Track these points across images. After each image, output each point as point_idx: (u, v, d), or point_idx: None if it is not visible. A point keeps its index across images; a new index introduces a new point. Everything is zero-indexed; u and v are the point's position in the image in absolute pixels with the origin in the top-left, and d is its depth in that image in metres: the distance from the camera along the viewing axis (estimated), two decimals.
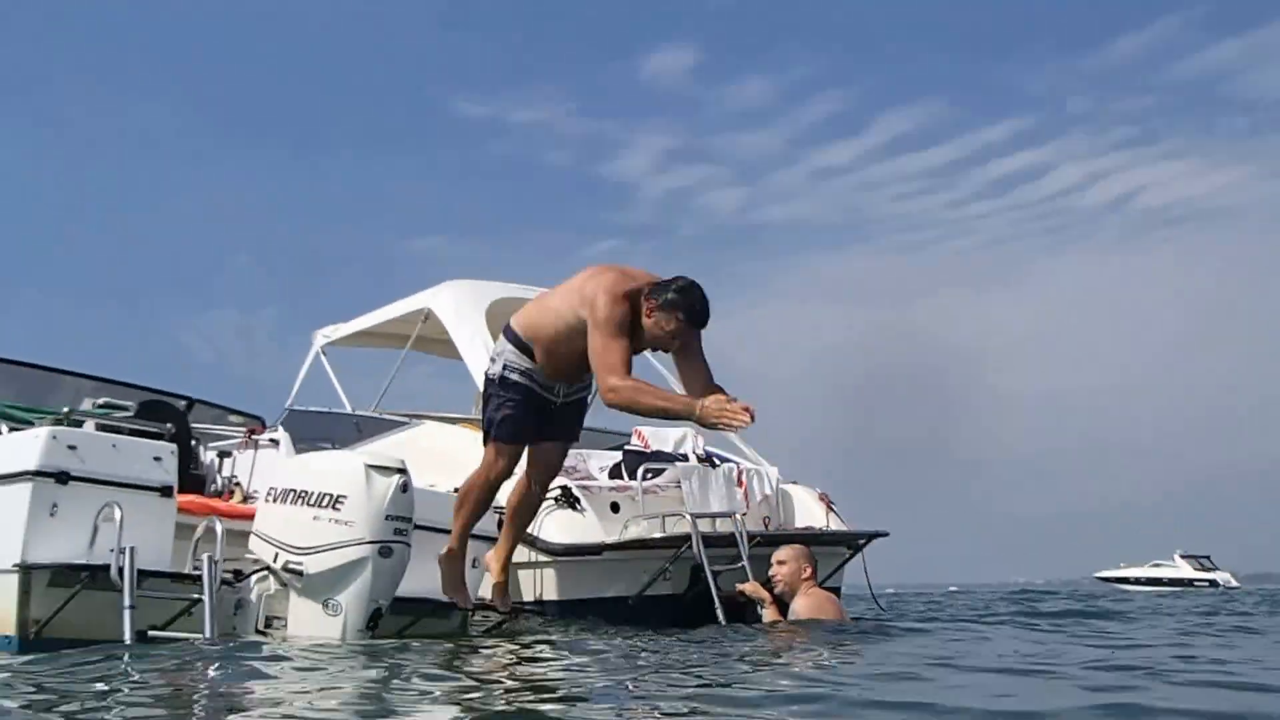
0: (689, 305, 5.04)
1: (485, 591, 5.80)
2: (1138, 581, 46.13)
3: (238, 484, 7.01)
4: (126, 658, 4.11)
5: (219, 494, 6.96)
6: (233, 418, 8.01)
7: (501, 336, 5.41)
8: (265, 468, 7.02)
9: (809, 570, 6.40)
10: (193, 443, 7.32)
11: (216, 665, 3.97)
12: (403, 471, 5.04)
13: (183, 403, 7.73)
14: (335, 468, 5.13)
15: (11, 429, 5.80)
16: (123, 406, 7.12)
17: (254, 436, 7.28)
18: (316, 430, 9.29)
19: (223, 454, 7.30)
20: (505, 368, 5.27)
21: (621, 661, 4.41)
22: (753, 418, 4.69)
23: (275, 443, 7.22)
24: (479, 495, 5.37)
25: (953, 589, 37.19)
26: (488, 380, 5.41)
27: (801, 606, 6.26)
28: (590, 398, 5.67)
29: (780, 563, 6.47)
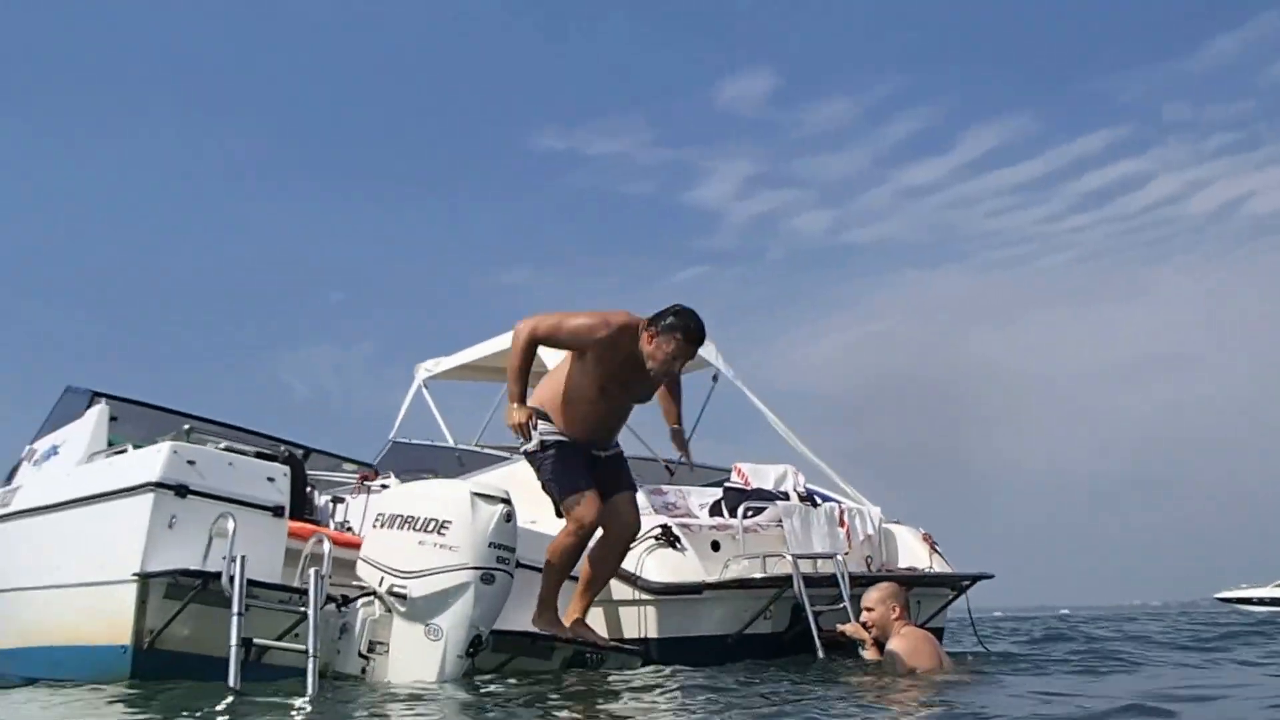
0: (685, 325, 5.49)
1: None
2: (1261, 602, 43.86)
3: (349, 528, 7.08)
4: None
5: None
6: (346, 465, 8.15)
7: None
8: (376, 511, 7.09)
9: (898, 610, 6.21)
10: (308, 489, 7.47)
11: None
12: (507, 501, 5.09)
13: (300, 451, 7.89)
14: (442, 494, 5.19)
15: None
16: (242, 452, 7.29)
17: (366, 482, 7.36)
18: (419, 463, 9.37)
19: (336, 499, 7.42)
20: (541, 435, 5.57)
21: (716, 695, 4.43)
22: (527, 436, 5.48)
23: (385, 488, 7.30)
24: (567, 555, 5.53)
25: (1064, 612, 36.20)
26: (528, 458, 5.69)
27: (897, 648, 6.10)
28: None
29: (869, 609, 6.31)
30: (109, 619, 5.05)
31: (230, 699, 4.27)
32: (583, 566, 5.72)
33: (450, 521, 4.99)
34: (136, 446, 6.11)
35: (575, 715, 4.08)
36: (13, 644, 6.10)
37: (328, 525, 7.20)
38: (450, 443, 9.48)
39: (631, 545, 6.09)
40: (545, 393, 5.70)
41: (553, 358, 6.51)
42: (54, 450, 6.55)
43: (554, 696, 4.69)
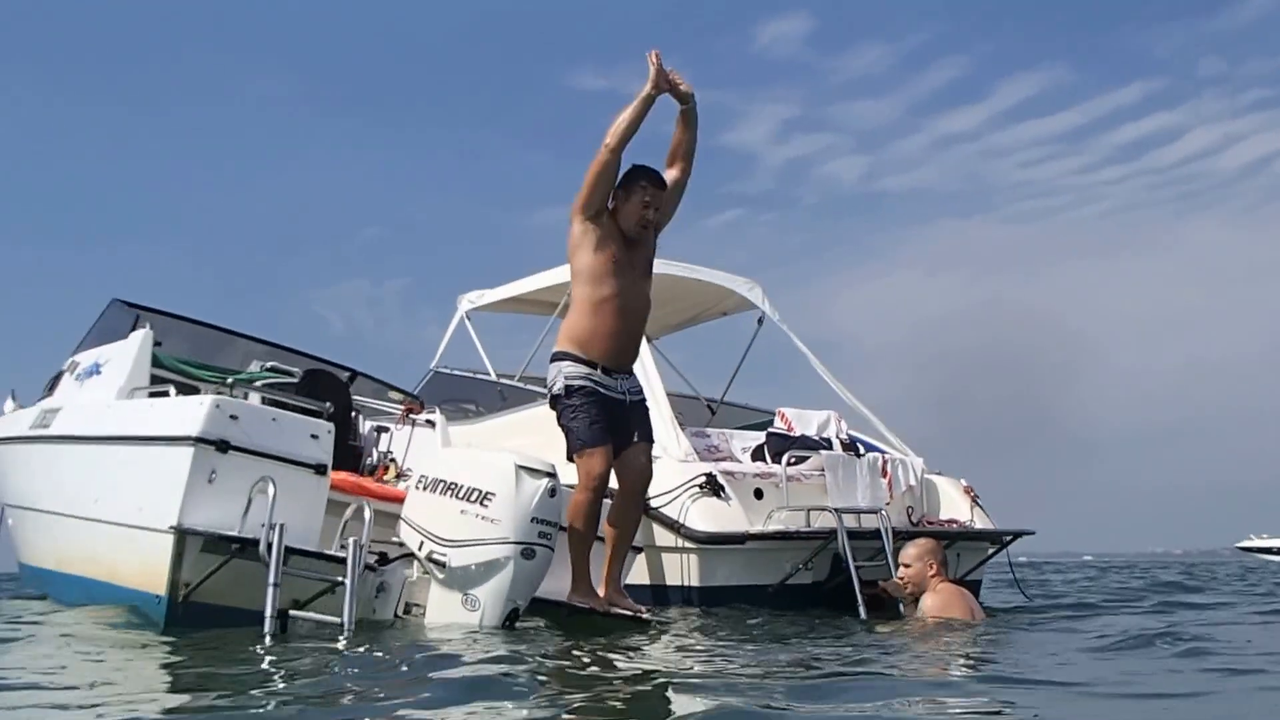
0: (642, 171, 5.64)
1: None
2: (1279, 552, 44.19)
3: (393, 460, 7.09)
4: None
5: (374, 468, 7.05)
6: (391, 394, 8.08)
7: (550, 366, 5.62)
8: (420, 447, 7.12)
9: (934, 566, 6.18)
10: (353, 414, 7.45)
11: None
12: (553, 475, 4.99)
13: (345, 374, 7.84)
14: (486, 464, 5.08)
15: (180, 387, 5.91)
16: (289, 372, 7.26)
17: (411, 415, 7.30)
18: (460, 394, 9.35)
19: (380, 429, 7.37)
20: (565, 378, 5.46)
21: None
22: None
23: (431, 424, 7.25)
24: (586, 512, 5.34)
25: (1087, 558, 36.44)
26: (552, 401, 5.55)
27: (929, 604, 6.06)
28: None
29: (905, 565, 6.26)
30: (146, 566, 5.01)
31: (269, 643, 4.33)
32: (605, 529, 5.64)
33: (494, 494, 4.89)
34: (180, 385, 6.09)
35: (609, 663, 4.07)
36: (51, 565, 6.18)
37: (370, 454, 7.26)
38: (492, 375, 9.43)
39: (644, 500, 5.98)
40: (565, 328, 5.66)
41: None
42: (96, 368, 6.48)
43: (587, 645, 4.68)
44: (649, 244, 5.85)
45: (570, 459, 5.43)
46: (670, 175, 5.76)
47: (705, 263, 9.23)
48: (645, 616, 5.45)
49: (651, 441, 5.75)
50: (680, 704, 3.04)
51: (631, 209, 5.63)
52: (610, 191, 5.62)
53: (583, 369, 5.50)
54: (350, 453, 7.12)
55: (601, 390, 5.51)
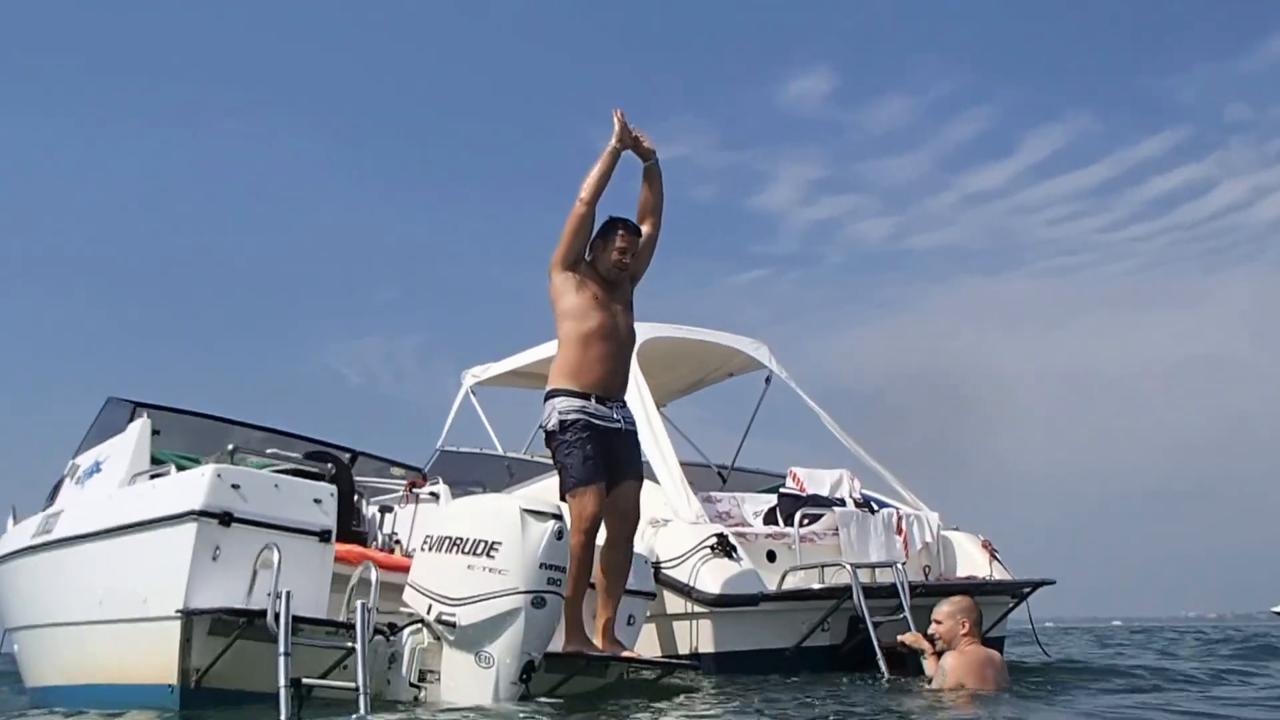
0: (618, 220, 5.99)
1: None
2: None
3: (398, 541, 6.99)
4: None
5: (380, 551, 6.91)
6: (394, 470, 8.03)
7: (544, 405, 5.80)
8: (425, 522, 6.97)
9: (967, 625, 5.99)
10: (356, 497, 7.36)
11: None
12: (558, 517, 4.93)
13: (347, 455, 7.78)
14: (490, 511, 5.02)
15: (180, 467, 5.85)
16: (288, 458, 7.21)
17: (414, 490, 7.25)
18: (468, 472, 9.28)
19: (384, 509, 7.30)
20: (559, 414, 5.65)
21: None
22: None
23: (435, 496, 7.20)
24: (581, 554, 5.39)
25: (1116, 624, 35.84)
26: (548, 438, 5.74)
27: (952, 664, 5.89)
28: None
29: (937, 622, 6.12)
30: (154, 657, 4.92)
31: None
32: (596, 574, 5.64)
33: (500, 542, 4.81)
34: (180, 465, 6.04)
35: None
36: (58, 680, 6.03)
37: (376, 537, 7.12)
38: (499, 451, 9.38)
39: (632, 543, 5.96)
40: (555, 366, 5.85)
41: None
42: (96, 467, 6.44)
43: (609, 708, 4.56)
44: (626, 286, 6.07)
45: (563, 498, 5.46)
46: (643, 231, 6.10)
47: (728, 317, 9.31)
48: (643, 658, 5.45)
49: (641, 479, 5.87)
50: None
51: (608, 254, 5.94)
52: (586, 243, 5.94)
53: (577, 402, 5.65)
54: (355, 538, 6.98)
55: (596, 421, 5.64)
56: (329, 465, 6.16)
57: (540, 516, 4.85)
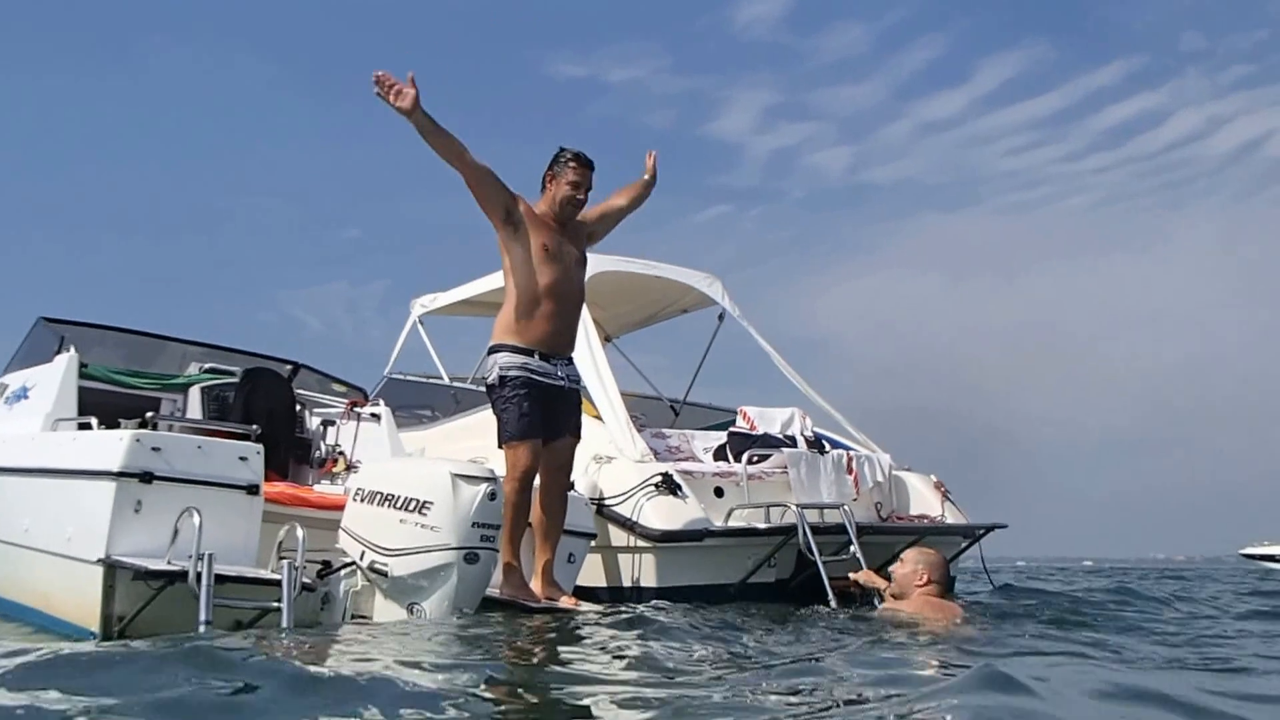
0: (574, 152, 5.80)
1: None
2: None
3: (341, 453, 6.97)
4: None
5: (324, 461, 6.98)
6: (336, 386, 7.94)
7: (485, 358, 5.79)
8: (367, 440, 6.99)
9: (925, 577, 5.87)
10: (299, 408, 7.32)
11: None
12: (491, 479, 4.86)
13: (287, 368, 7.70)
14: (422, 474, 4.98)
15: (104, 416, 5.69)
16: (228, 371, 7.12)
17: (356, 409, 7.13)
18: (414, 399, 9.16)
19: (326, 422, 7.23)
20: (500, 369, 5.56)
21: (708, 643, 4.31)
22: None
23: (376, 417, 7.08)
24: (516, 501, 5.36)
25: (1087, 563, 36.46)
26: (489, 390, 5.66)
27: (901, 605, 5.84)
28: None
29: (901, 561, 6.06)
30: (78, 598, 4.87)
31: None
32: (534, 518, 5.61)
33: (431, 502, 4.77)
34: (109, 379, 5.91)
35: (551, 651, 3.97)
36: None
37: (318, 447, 7.13)
38: (445, 380, 9.24)
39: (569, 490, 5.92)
40: (499, 320, 5.70)
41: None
42: (24, 392, 6.42)
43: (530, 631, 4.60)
44: (579, 235, 5.92)
45: (500, 448, 5.44)
46: (617, 200, 6.10)
47: (693, 259, 9.14)
48: (582, 608, 5.44)
49: (578, 436, 5.82)
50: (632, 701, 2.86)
51: (559, 187, 5.76)
52: (499, 189, 5.65)
53: (519, 358, 5.56)
54: (299, 445, 7.09)
55: (537, 378, 5.56)
56: (255, 427, 6.03)
57: (471, 480, 4.82)
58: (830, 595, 6.34)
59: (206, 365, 7.39)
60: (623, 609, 5.84)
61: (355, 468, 6.57)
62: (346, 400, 7.41)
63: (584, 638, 4.48)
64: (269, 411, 6.92)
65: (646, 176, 6.22)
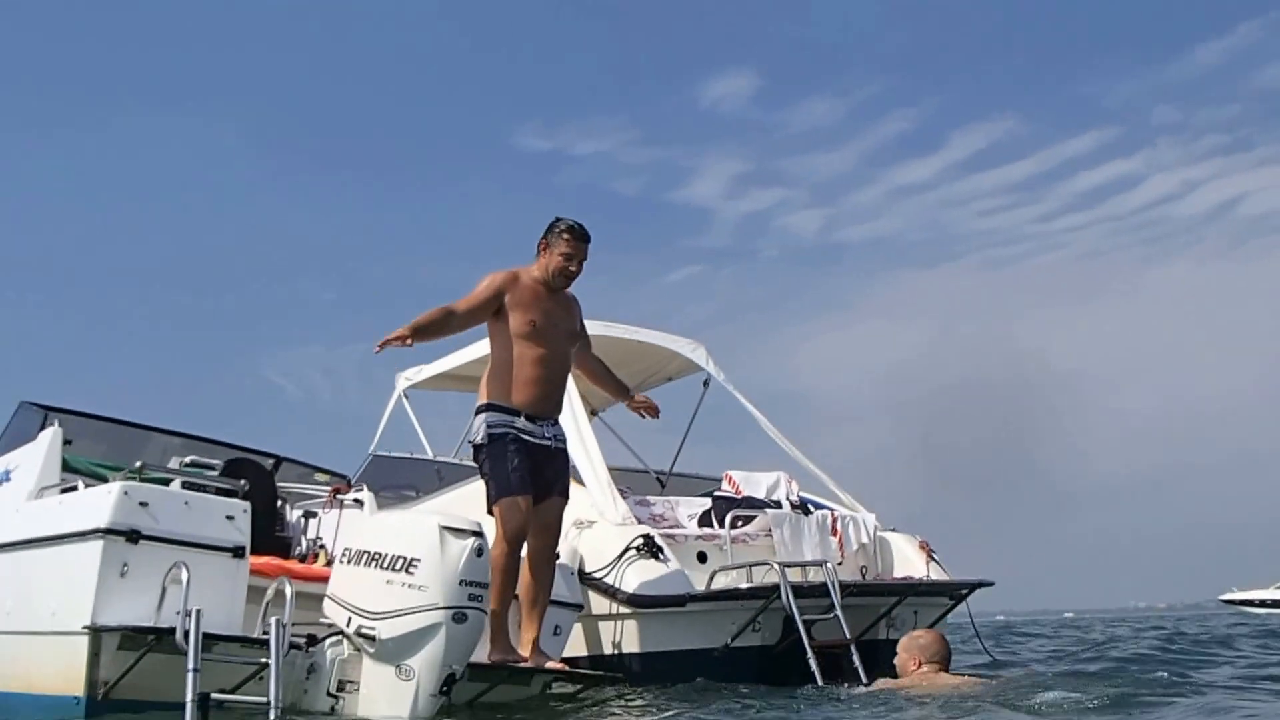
0: (569, 224, 5.85)
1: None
2: (1264, 604, 44.05)
3: (322, 546, 6.90)
4: None
5: (304, 557, 6.90)
6: (318, 476, 7.95)
7: (472, 419, 5.81)
8: (349, 529, 6.91)
9: (918, 661, 5.78)
10: (279, 503, 7.30)
11: None
12: (478, 534, 4.87)
13: (270, 461, 7.70)
14: (408, 528, 4.95)
15: (89, 485, 5.74)
16: (209, 465, 7.12)
17: (338, 496, 7.16)
18: (399, 477, 9.16)
19: (308, 514, 7.23)
20: (488, 427, 5.63)
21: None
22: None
23: (359, 503, 7.11)
24: (504, 564, 5.38)
25: (1068, 615, 36.12)
26: (475, 451, 5.73)
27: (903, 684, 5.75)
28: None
29: (896, 652, 5.93)
30: (62, 669, 4.84)
31: None
32: (521, 587, 5.63)
33: (418, 559, 4.74)
34: (94, 474, 5.91)
35: None
36: None
37: (299, 543, 7.08)
38: (430, 455, 9.27)
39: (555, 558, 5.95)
40: (488, 376, 5.78)
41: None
42: (6, 475, 6.30)
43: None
44: (571, 311, 6.01)
45: (490, 511, 5.42)
46: (600, 376, 6.54)
47: (666, 317, 9.18)
48: (576, 672, 5.57)
49: (566, 497, 5.86)
50: None
51: (553, 259, 5.82)
52: (480, 310, 5.78)
53: (505, 417, 5.61)
54: (279, 543, 7.00)
55: (525, 437, 5.61)
56: (242, 482, 6.03)
57: (460, 534, 4.79)
58: (814, 666, 6.31)
59: (188, 459, 7.33)
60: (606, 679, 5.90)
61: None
62: (330, 488, 7.43)
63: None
64: (251, 505, 6.91)
65: (631, 401, 6.64)
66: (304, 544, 7.02)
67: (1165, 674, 6.15)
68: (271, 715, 4.40)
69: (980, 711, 4.46)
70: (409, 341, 5.55)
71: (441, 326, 5.72)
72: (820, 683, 6.17)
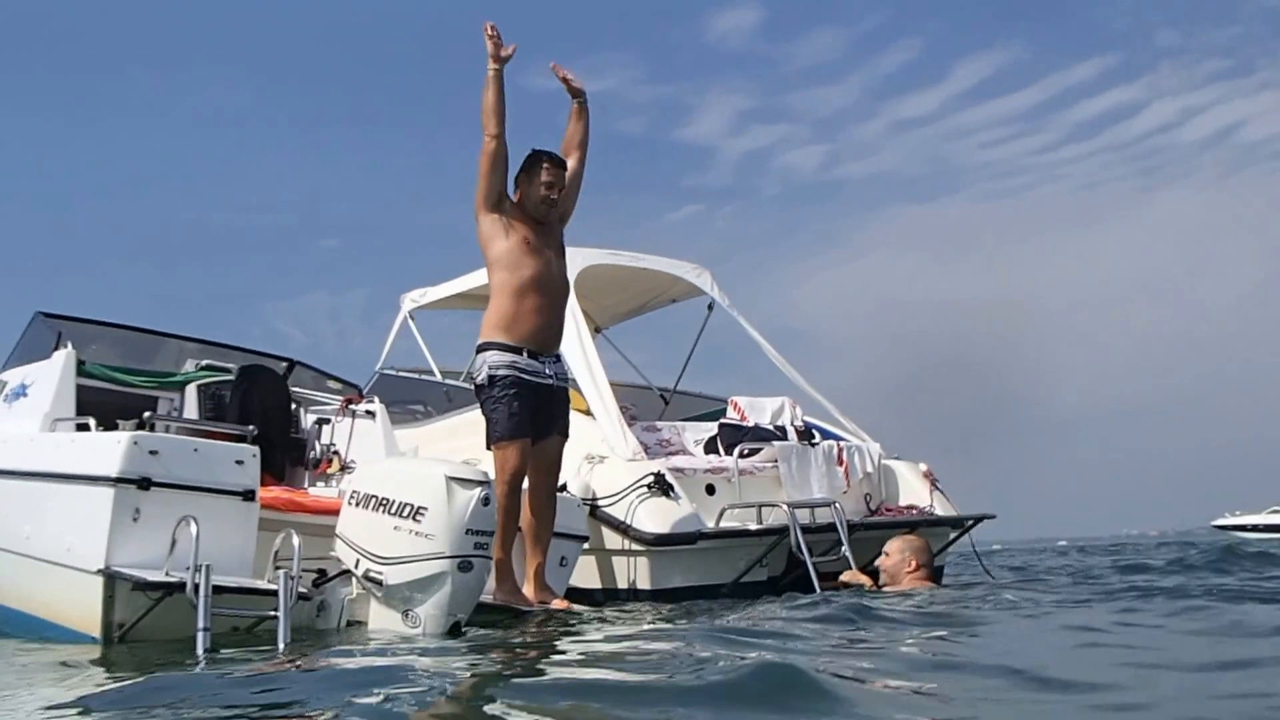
0: (541, 153, 5.92)
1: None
2: (1256, 528, 44.30)
3: (336, 452, 6.96)
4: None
5: (318, 462, 6.97)
6: (330, 383, 7.94)
7: (474, 356, 5.82)
8: (361, 438, 7.00)
9: (914, 564, 6.07)
10: (294, 406, 7.34)
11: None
12: (485, 484, 4.87)
13: (283, 365, 7.70)
14: (416, 476, 4.95)
15: (101, 417, 5.71)
16: (224, 369, 7.14)
17: (350, 406, 7.15)
18: (407, 395, 9.17)
19: (321, 421, 7.24)
20: (489, 368, 5.65)
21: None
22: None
23: (371, 414, 7.10)
24: (506, 504, 5.42)
25: (1062, 544, 36.56)
26: (477, 391, 5.76)
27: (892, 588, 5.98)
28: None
29: (885, 554, 6.19)
30: (80, 606, 4.91)
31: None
32: (524, 521, 5.69)
33: (425, 508, 4.76)
34: (106, 378, 5.91)
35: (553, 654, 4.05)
36: None
37: (313, 447, 7.13)
38: (437, 376, 9.26)
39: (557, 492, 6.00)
40: (487, 317, 5.81)
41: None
42: (23, 390, 6.36)
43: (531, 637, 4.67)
44: (556, 229, 6.02)
45: (489, 449, 5.52)
46: (570, 165, 6.04)
47: (669, 254, 9.11)
48: (575, 610, 5.54)
49: (566, 435, 5.91)
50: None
51: (534, 188, 5.85)
52: (504, 178, 5.84)
53: (508, 356, 5.64)
54: (294, 445, 7.10)
55: (526, 376, 5.64)
56: (251, 428, 6.03)
57: (466, 484, 4.79)
58: (818, 589, 6.42)
59: (202, 362, 7.37)
60: (612, 610, 5.95)
61: (350, 468, 6.58)
62: (342, 398, 7.43)
63: (579, 638, 4.53)
64: (264, 410, 6.92)
65: (574, 101, 6.14)
66: (318, 448, 7.07)
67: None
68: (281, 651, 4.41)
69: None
70: (508, 52, 5.78)
71: (496, 105, 5.77)
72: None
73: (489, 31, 5.73)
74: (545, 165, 5.88)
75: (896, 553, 6.13)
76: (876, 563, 6.25)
